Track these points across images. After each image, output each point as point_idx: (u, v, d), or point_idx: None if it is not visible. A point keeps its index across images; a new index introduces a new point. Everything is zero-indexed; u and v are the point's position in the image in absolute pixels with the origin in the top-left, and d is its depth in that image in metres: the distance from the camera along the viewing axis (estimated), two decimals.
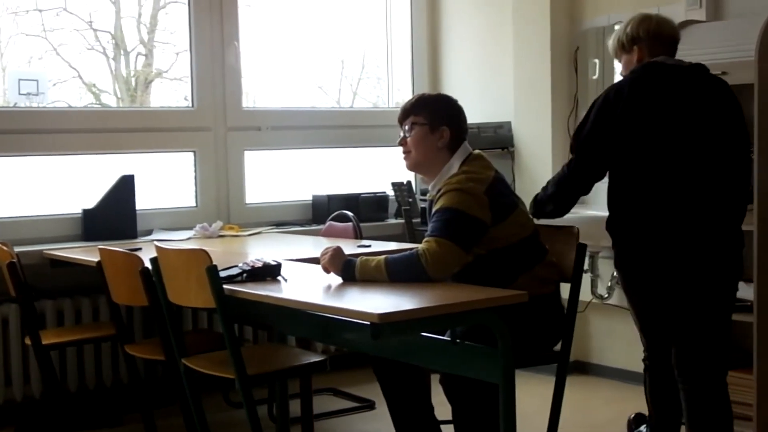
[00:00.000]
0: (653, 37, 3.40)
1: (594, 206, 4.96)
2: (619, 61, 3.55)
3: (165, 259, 3.33)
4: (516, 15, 5.31)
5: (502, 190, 3.21)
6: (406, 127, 3.34)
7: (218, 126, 5.20)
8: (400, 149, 3.42)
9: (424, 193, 5.38)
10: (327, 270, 3.13)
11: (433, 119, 3.29)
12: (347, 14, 5.90)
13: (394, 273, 3.00)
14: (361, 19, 5.98)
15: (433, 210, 3.16)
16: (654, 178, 3.24)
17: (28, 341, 3.99)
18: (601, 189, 4.95)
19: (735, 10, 4.41)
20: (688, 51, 4.20)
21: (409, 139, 3.32)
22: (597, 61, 5.10)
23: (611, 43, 3.56)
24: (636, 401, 4.59)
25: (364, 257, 3.10)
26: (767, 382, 4.03)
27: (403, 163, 3.43)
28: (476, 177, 3.17)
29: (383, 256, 3.06)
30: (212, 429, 3.48)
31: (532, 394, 4.02)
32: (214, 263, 3.07)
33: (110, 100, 5.36)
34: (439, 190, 3.20)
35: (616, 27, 4.90)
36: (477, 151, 3.32)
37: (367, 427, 4.27)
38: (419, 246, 3.07)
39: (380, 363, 3.47)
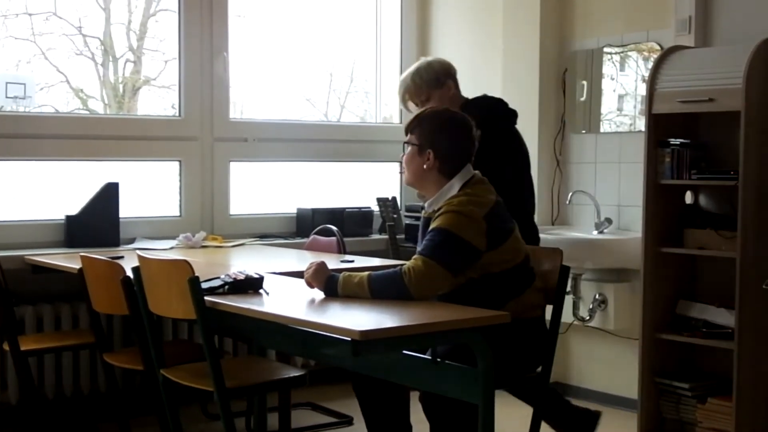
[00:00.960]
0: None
1: (576, 228, 4.99)
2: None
3: (147, 268, 3.31)
4: (505, 35, 5.33)
5: (501, 215, 3.19)
6: (404, 144, 3.31)
7: (205, 136, 5.18)
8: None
9: (409, 209, 5.38)
10: (310, 285, 3.11)
11: (422, 140, 3.24)
12: (337, 28, 5.90)
13: (376, 291, 2.99)
14: (350, 33, 5.98)
15: (429, 227, 3.15)
16: None
17: (6, 347, 3.96)
18: (585, 211, 5.00)
19: (723, 36, 4.44)
20: (676, 76, 4.24)
21: (403, 158, 3.30)
22: (585, 83, 5.12)
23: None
24: (615, 424, 4.60)
25: (347, 273, 3.08)
26: (746, 410, 4.05)
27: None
28: (478, 200, 3.14)
29: (366, 273, 3.05)
30: None
31: (511, 415, 4.00)
32: (196, 274, 3.05)
33: (97, 106, 5.34)
34: (438, 209, 3.16)
35: (606, 49, 4.97)
36: (478, 174, 3.27)
37: None
38: (405, 263, 3.06)
39: (360, 380, 3.44)
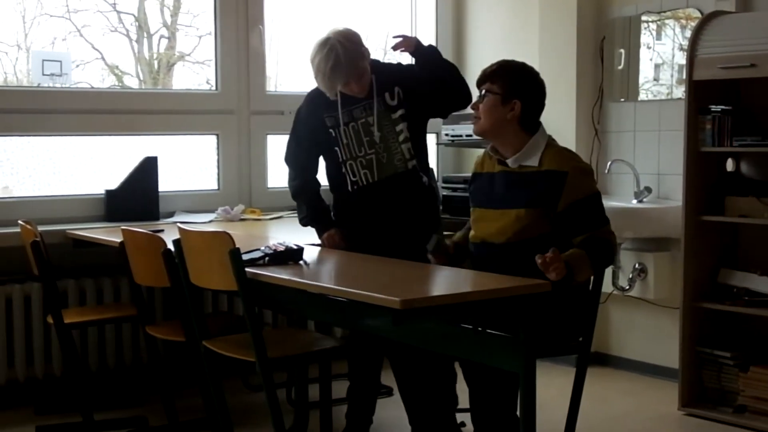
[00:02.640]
0: None
1: (616, 197, 4.95)
2: None
3: (188, 241, 3.33)
4: (542, 4, 5.27)
5: None
6: (482, 92, 3.28)
7: (242, 109, 5.20)
8: None
9: (446, 180, 5.36)
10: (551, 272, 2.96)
11: (507, 90, 3.22)
12: (371, 2, 5.86)
13: (597, 265, 3.13)
14: (386, 6, 5.94)
15: (577, 197, 3.13)
16: None
17: (50, 320, 4.01)
18: (625, 180, 4.96)
19: (764, 1, 4.37)
20: (716, 42, 4.18)
21: (481, 105, 3.27)
22: (623, 51, 5.06)
23: None
24: (656, 394, 4.59)
25: (573, 260, 3.02)
26: None
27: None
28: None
29: (583, 252, 3.07)
30: (231, 412, 3.48)
31: (550, 384, 4.01)
32: (237, 246, 3.07)
33: (132, 82, 5.37)
34: (542, 168, 3.16)
35: (643, 17, 4.91)
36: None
37: (386, 414, 4.27)
38: (597, 232, 3.14)
39: (400, 367, 3.51)
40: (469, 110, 3.49)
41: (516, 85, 3.23)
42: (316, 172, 3.92)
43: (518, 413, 3.08)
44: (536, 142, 3.22)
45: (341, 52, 3.59)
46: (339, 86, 3.65)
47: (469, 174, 3.52)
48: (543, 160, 3.18)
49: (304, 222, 3.91)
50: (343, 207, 3.84)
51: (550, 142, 3.26)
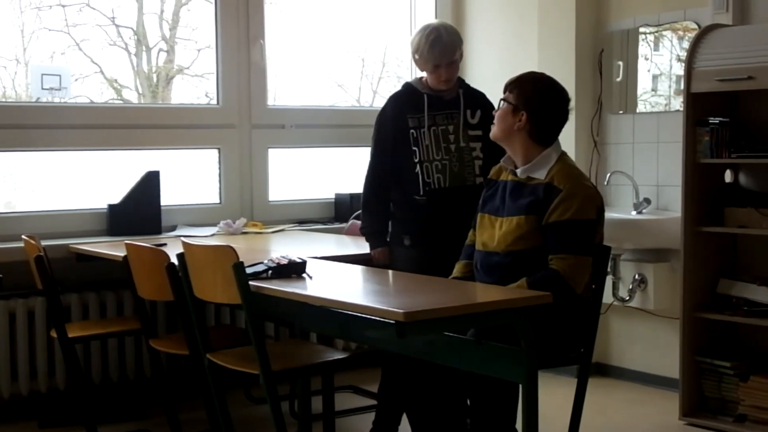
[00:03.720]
0: None
1: (615, 209, 4.98)
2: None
3: (191, 254, 3.35)
4: (541, 16, 5.31)
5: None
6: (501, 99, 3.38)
7: (243, 123, 5.23)
8: None
9: None
10: None
11: (518, 101, 3.28)
12: (368, 13, 5.90)
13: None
14: (383, 18, 5.98)
15: (557, 216, 3.14)
16: None
17: (53, 334, 4.03)
18: (624, 191, 4.99)
19: (762, 14, 4.41)
20: (714, 55, 4.22)
21: (496, 113, 3.37)
22: (621, 63, 5.10)
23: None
24: (657, 404, 4.61)
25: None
26: None
27: None
28: (585, 176, 3.34)
29: (524, 280, 3.09)
30: (234, 425, 3.50)
31: (551, 394, 4.03)
32: (240, 260, 3.09)
33: (131, 96, 5.40)
34: (547, 182, 3.19)
35: (641, 29, 4.95)
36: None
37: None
38: (554, 265, 3.11)
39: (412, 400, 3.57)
40: None
41: (526, 98, 3.28)
42: (390, 181, 3.95)
43: (517, 426, 3.12)
44: (547, 156, 3.25)
45: (443, 32, 3.86)
46: (434, 63, 3.85)
47: None
48: (549, 174, 3.21)
49: (364, 231, 4.02)
50: (410, 208, 3.88)
51: (563, 158, 3.28)
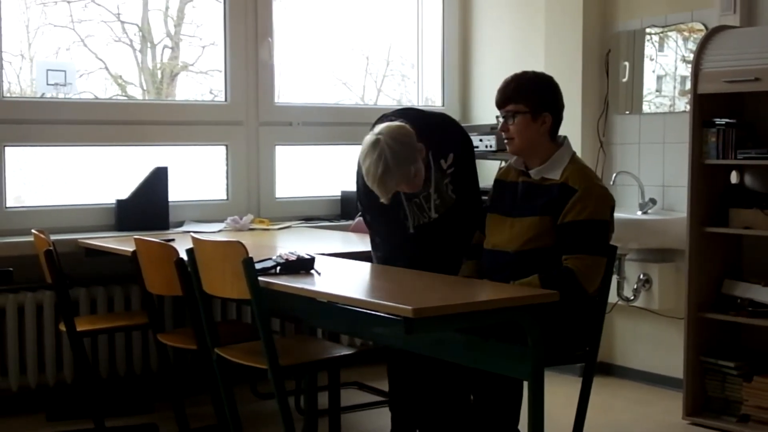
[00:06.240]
0: None
1: (621, 209, 4.99)
2: None
3: (201, 250, 3.38)
4: (548, 16, 5.33)
5: None
6: (509, 114, 3.26)
7: (250, 120, 5.26)
8: None
9: None
10: None
11: (534, 106, 3.24)
12: (373, 12, 5.91)
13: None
14: (388, 17, 6.00)
15: (576, 218, 3.14)
16: None
17: (62, 327, 4.06)
18: (630, 192, 5.01)
19: None
20: (721, 56, 4.23)
21: (511, 127, 3.26)
22: (627, 64, 5.11)
23: None
24: (661, 403, 4.63)
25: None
26: None
27: None
28: (597, 176, 3.35)
29: (536, 276, 3.10)
30: (240, 420, 3.53)
31: (556, 393, 4.04)
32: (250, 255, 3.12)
33: (136, 92, 5.41)
34: (563, 183, 3.19)
35: (648, 30, 4.97)
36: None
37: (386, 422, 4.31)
38: (569, 264, 3.12)
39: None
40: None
41: (542, 99, 3.26)
42: None
43: (520, 426, 3.14)
44: (560, 156, 3.26)
45: (390, 159, 3.30)
46: (392, 190, 3.40)
47: (483, 184, 3.57)
48: (564, 175, 3.21)
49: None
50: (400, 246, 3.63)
51: (575, 158, 3.29)
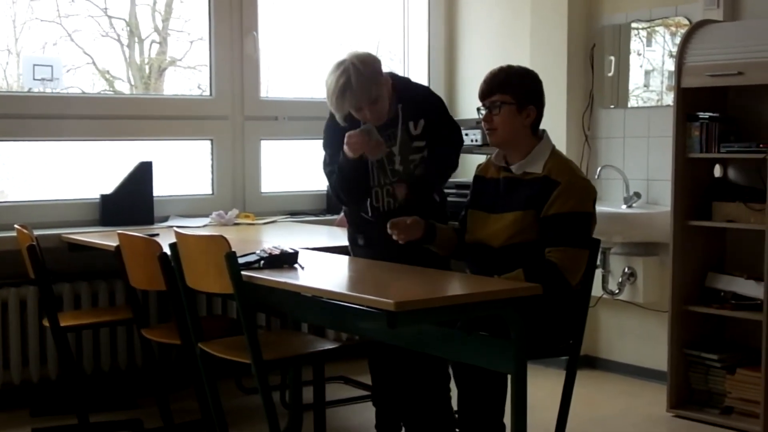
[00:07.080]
0: None
1: (605, 202, 5.01)
2: None
3: (184, 244, 3.37)
4: (533, 11, 5.33)
5: None
6: (494, 104, 3.24)
7: (235, 115, 5.24)
8: None
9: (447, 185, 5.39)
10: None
11: (520, 98, 3.24)
12: (360, 7, 5.90)
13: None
14: (376, 12, 5.99)
15: (559, 210, 3.14)
16: None
17: (46, 323, 4.04)
18: (614, 185, 5.02)
19: (752, 10, 4.43)
20: (704, 50, 4.25)
21: (495, 117, 3.24)
22: (613, 58, 5.12)
23: None
24: (645, 396, 4.64)
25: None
26: None
27: None
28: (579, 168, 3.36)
29: (521, 270, 3.08)
30: (225, 414, 3.52)
31: (540, 386, 4.05)
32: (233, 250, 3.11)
33: (123, 87, 5.40)
34: (544, 176, 3.18)
35: (633, 24, 4.97)
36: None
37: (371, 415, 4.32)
38: (552, 258, 3.11)
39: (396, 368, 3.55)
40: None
41: (528, 92, 3.26)
42: None
43: (505, 420, 3.15)
44: (541, 150, 3.26)
45: (353, 75, 3.37)
46: (348, 110, 3.45)
47: (463, 180, 3.56)
48: (545, 168, 3.22)
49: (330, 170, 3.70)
50: (361, 219, 3.68)
51: (555, 151, 3.29)
